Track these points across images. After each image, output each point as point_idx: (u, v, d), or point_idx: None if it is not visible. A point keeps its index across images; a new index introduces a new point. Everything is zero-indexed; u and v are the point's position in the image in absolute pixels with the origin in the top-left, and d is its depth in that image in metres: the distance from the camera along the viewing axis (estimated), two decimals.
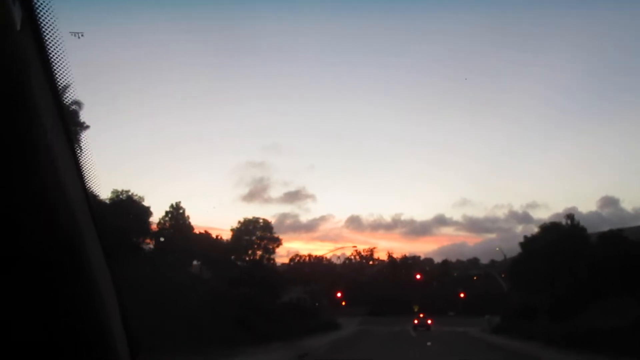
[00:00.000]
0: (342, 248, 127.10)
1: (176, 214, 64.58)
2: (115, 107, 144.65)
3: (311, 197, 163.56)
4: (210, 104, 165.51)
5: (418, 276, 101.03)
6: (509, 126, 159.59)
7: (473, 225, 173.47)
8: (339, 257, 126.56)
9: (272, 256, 72.80)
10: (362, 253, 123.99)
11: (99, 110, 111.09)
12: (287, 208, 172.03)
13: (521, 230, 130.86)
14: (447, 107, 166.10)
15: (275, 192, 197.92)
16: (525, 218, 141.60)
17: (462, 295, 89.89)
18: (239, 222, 71.07)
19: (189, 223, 64.20)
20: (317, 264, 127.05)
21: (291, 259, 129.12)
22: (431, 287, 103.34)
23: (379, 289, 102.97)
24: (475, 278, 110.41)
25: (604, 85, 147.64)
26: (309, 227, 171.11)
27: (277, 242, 72.92)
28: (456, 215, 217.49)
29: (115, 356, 1.66)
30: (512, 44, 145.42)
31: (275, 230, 72.25)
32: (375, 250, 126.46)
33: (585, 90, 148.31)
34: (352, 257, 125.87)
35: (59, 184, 1.43)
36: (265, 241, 70.51)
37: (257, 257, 68.68)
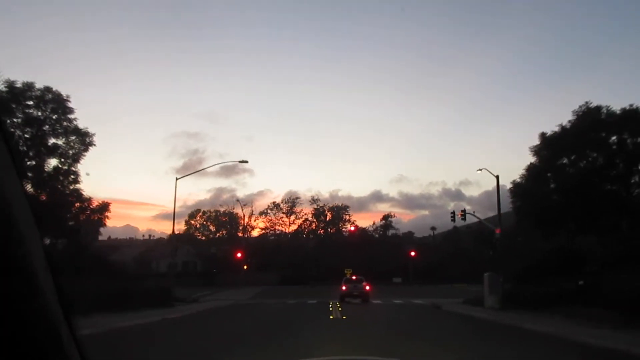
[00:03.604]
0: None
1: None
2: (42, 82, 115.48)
3: (249, 171, 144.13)
4: (145, 69, 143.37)
5: (352, 228, 75.47)
6: (445, 106, 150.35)
7: (408, 201, 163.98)
8: (273, 233, 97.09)
9: (73, 167, 34.46)
10: (281, 202, 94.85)
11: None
12: (223, 182, 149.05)
13: (452, 207, 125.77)
14: (386, 86, 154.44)
15: (211, 164, 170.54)
16: (457, 195, 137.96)
17: (412, 254, 64.63)
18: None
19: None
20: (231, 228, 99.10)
21: (190, 215, 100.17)
22: (369, 250, 78.13)
23: (300, 251, 76.51)
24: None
25: (532, 70, 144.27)
26: (246, 203, 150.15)
27: (84, 138, 34.19)
28: (392, 191, 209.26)
29: None
30: (450, 29, 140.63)
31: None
32: (299, 200, 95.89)
33: (514, 75, 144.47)
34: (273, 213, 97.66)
35: None
36: (60, 136, 33.43)
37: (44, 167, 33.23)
